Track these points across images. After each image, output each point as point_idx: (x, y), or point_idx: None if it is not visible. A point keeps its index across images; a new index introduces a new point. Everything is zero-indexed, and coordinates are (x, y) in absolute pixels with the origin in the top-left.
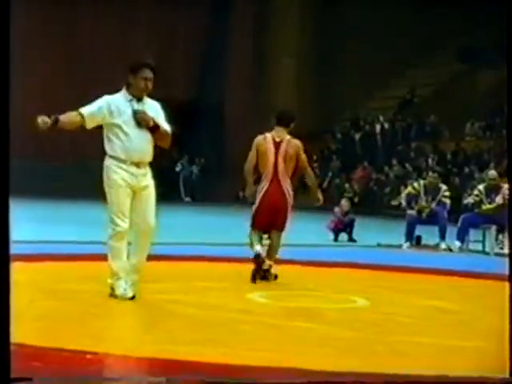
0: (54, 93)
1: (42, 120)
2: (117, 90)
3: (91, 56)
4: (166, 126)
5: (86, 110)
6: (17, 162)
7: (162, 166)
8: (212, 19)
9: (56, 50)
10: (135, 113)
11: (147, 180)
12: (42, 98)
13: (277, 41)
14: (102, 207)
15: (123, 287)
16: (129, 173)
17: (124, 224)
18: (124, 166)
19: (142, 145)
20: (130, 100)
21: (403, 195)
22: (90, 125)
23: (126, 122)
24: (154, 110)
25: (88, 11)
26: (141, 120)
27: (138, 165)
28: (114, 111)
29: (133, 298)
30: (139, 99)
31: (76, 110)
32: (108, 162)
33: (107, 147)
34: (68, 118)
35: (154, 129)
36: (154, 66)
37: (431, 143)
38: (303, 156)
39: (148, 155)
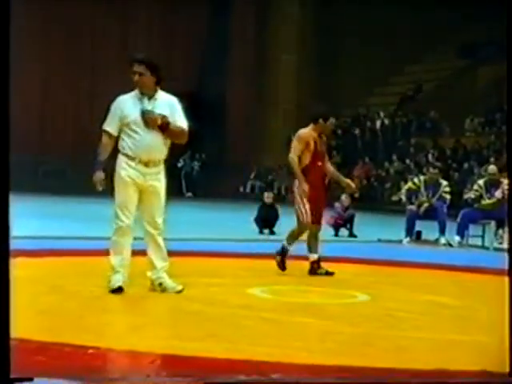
0: (53, 91)
1: (100, 181)
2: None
3: (91, 55)
4: (180, 122)
5: (111, 128)
6: (18, 157)
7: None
8: (213, 17)
9: (56, 49)
10: (142, 113)
11: (157, 179)
12: (41, 96)
13: (277, 38)
14: (104, 203)
15: (116, 279)
16: (136, 171)
17: (127, 220)
18: (132, 164)
19: (152, 143)
20: (140, 98)
21: (403, 191)
22: (116, 133)
23: (135, 120)
24: (167, 106)
25: (88, 11)
26: (148, 120)
27: (146, 163)
28: (125, 110)
29: (119, 289)
30: (150, 96)
31: (104, 133)
32: (119, 158)
33: (119, 144)
34: (106, 150)
35: (164, 127)
36: (143, 60)
37: (431, 139)
38: (293, 144)
39: (158, 153)
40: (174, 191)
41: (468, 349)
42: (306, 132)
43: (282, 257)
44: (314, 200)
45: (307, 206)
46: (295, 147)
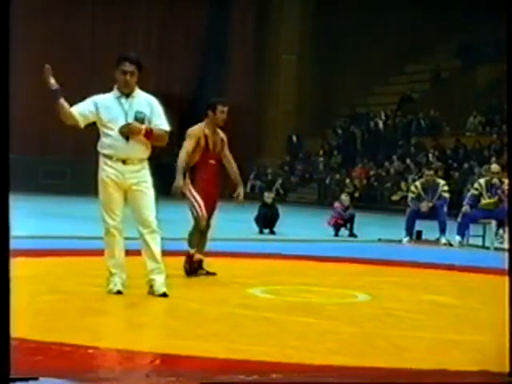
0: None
1: (48, 73)
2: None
3: (91, 56)
4: (161, 125)
5: (75, 108)
6: (18, 157)
7: (163, 162)
8: (213, 17)
9: (56, 49)
10: (120, 129)
11: (139, 177)
12: (42, 97)
13: (277, 38)
14: None
15: (114, 282)
16: (114, 169)
17: (112, 221)
18: (109, 163)
19: (130, 141)
20: (118, 97)
21: (409, 202)
22: (82, 123)
23: (112, 119)
24: (146, 105)
25: (88, 11)
26: (128, 134)
27: (124, 161)
28: (101, 108)
29: (119, 292)
30: (127, 95)
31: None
32: (99, 160)
33: (98, 145)
34: (67, 108)
35: (148, 135)
36: (136, 59)
37: (431, 139)
38: (184, 142)
39: (137, 152)
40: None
41: (468, 349)
42: (196, 129)
43: (189, 264)
44: (202, 199)
45: (200, 201)
46: (185, 145)
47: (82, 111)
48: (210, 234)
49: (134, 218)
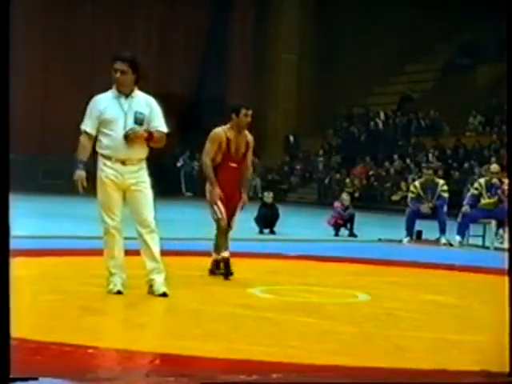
0: (54, 92)
1: (81, 179)
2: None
3: (91, 55)
4: (160, 126)
5: (89, 129)
6: (18, 157)
7: (163, 162)
8: (213, 17)
9: (56, 49)
10: (125, 137)
11: (138, 177)
12: (42, 96)
13: (277, 38)
14: None
15: (114, 283)
16: (114, 170)
17: (111, 221)
18: (109, 163)
19: (129, 143)
20: (117, 97)
21: (408, 202)
22: (95, 133)
23: (111, 119)
24: (145, 105)
25: (88, 11)
26: (131, 141)
27: (123, 162)
28: (102, 109)
29: (119, 293)
30: (127, 95)
31: (83, 133)
32: (98, 160)
33: (96, 145)
34: (86, 150)
35: (149, 139)
36: (130, 59)
37: (431, 138)
38: (206, 145)
39: (136, 153)
40: (174, 191)
41: (468, 349)
42: (219, 131)
43: (226, 270)
44: (222, 201)
45: (220, 204)
46: (207, 149)
47: (93, 125)
48: (231, 234)
49: (133, 218)
